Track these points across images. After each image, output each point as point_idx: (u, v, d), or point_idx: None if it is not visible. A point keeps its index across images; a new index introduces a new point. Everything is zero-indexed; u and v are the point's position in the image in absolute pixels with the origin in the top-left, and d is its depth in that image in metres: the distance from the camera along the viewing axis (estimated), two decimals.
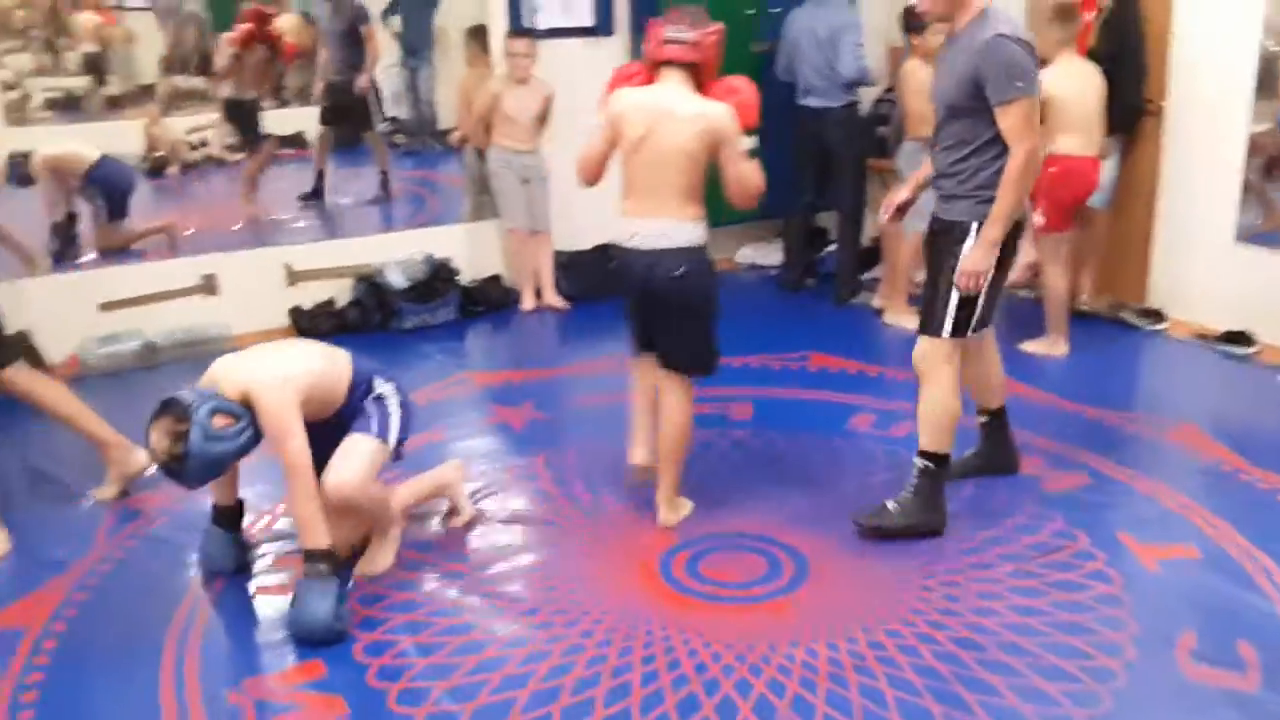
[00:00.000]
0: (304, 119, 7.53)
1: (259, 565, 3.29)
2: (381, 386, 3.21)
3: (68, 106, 8.71)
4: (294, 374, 2.98)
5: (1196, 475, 3.76)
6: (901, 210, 3.56)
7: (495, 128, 5.55)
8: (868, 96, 6.09)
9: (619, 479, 3.77)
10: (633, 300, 3.42)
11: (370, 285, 5.47)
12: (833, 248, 6.19)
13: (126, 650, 2.88)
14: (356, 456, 3.07)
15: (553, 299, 5.76)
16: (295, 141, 7.79)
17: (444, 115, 8.24)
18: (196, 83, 8.96)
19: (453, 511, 3.54)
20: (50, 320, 4.80)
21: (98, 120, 8.07)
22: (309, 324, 5.29)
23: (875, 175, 5.98)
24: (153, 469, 3.45)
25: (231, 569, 3.24)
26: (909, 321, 4.70)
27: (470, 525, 3.50)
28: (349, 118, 7.21)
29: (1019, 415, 3.92)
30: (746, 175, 3.25)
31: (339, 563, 3.00)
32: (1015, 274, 5.63)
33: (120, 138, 6.68)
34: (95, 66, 8.80)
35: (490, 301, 5.74)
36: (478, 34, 6.00)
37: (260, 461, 3.13)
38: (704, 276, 3.32)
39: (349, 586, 3.06)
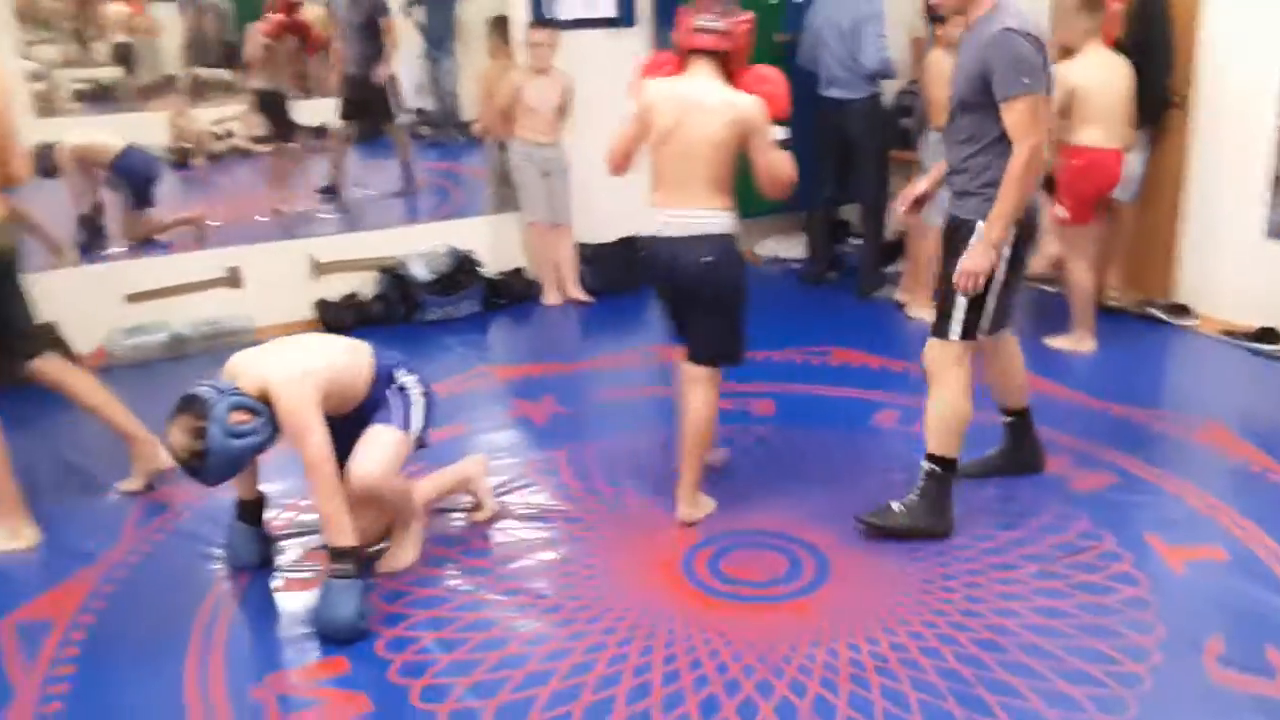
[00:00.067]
0: (328, 110, 7.55)
1: (284, 559, 3.31)
2: (404, 378, 3.21)
3: (95, 97, 8.75)
4: (314, 369, 2.98)
5: (1224, 475, 3.72)
6: (919, 202, 3.53)
7: (516, 120, 5.55)
8: (891, 87, 6.05)
9: (641, 474, 3.77)
10: (662, 290, 3.42)
11: (394, 278, 5.49)
12: (855, 241, 6.17)
13: (153, 644, 2.90)
14: (379, 447, 3.07)
15: (575, 292, 5.75)
16: (319, 133, 7.81)
17: (467, 107, 8.24)
18: (219, 74, 9.00)
19: (475, 506, 3.55)
20: (77, 312, 4.84)
21: (124, 111, 8.10)
22: (333, 316, 5.31)
23: (898, 167, 5.95)
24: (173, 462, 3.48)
25: (256, 563, 3.25)
26: (932, 315, 4.66)
27: (493, 520, 3.50)
28: (369, 111, 7.21)
29: (1044, 412, 3.90)
30: (777, 165, 3.25)
31: (363, 561, 3.01)
32: (1039, 267, 5.66)
33: (146, 128, 6.70)
34: (125, 57, 8.85)
35: (513, 294, 5.74)
36: (499, 25, 6.00)
37: (285, 455, 3.14)
38: (733, 266, 3.31)
39: (372, 583, 3.07)
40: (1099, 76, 4.63)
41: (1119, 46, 4.87)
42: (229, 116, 8.63)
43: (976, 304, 3.16)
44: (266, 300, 5.32)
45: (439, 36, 8.73)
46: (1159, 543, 3.25)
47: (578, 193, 5.69)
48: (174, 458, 2.89)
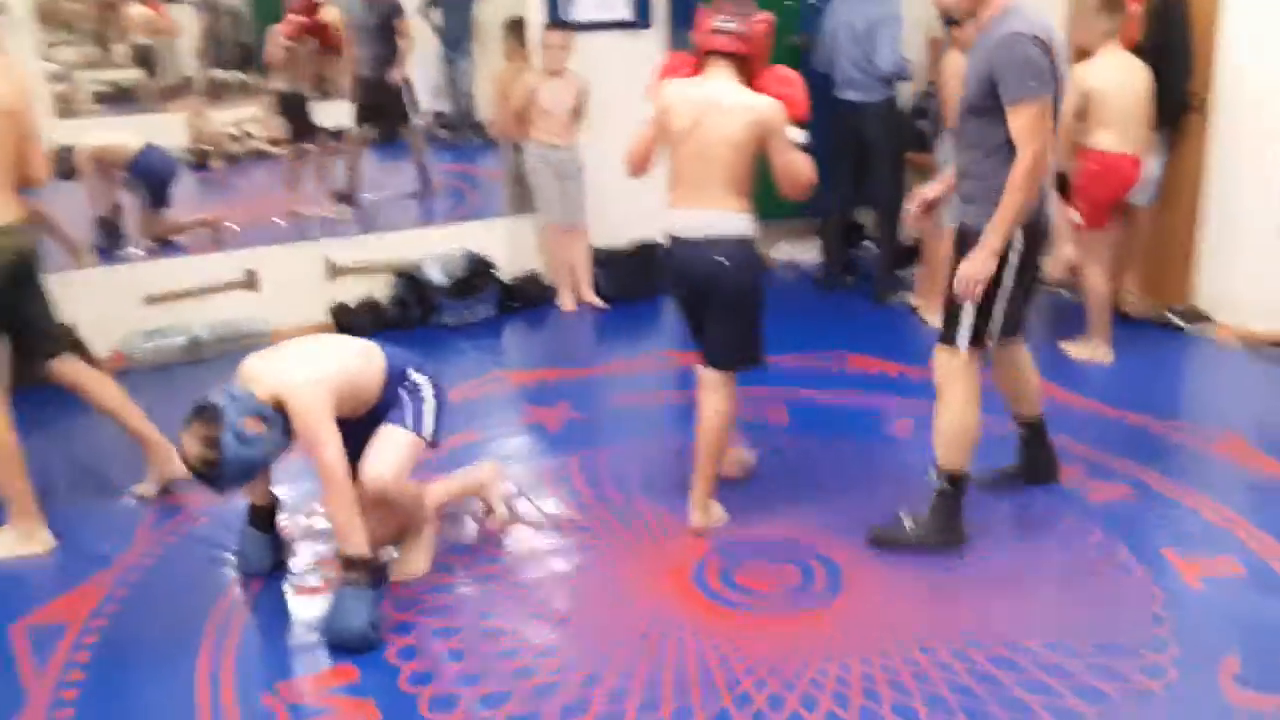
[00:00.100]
0: (346, 113, 7.56)
1: (296, 565, 3.32)
2: (416, 377, 3.20)
3: (115, 99, 8.80)
4: (325, 375, 2.97)
5: (1242, 488, 3.69)
6: (931, 206, 3.50)
7: (531, 122, 5.55)
8: (908, 90, 6.02)
9: (653, 481, 3.77)
10: (678, 292, 3.42)
11: (410, 281, 5.50)
12: (871, 244, 6.14)
13: (165, 649, 2.91)
14: (391, 449, 3.07)
15: (590, 296, 5.75)
16: (337, 135, 7.83)
17: (484, 108, 8.25)
18: (236, 75, 9.03)
19: (488, 513, 3.55)
20: (95, 314, 4.86)
21: (144, 113, 8.14)
22: (348, 319, 5.32)
23: (914, 170, 5.92)
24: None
25: (268, 569, 3.26)
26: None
27: (505, 527, 3.50)
28: (384, 114, 7.22)
29: (1059, 421, 3.88)
30: (796, 167, 3.24)
31: (376, 570, 3.01)
32: (1055, 272, 5.63)
33: (165, 130, 6.72)
34: (146, 59, 8.90)
35: (529, 298, 5.74)
36: (515, 27, 5.99)
37: (298, 462, 3.14)
38: (749, 268, 3.31)
39: (383, 592, 3.07)
40: (1116, 79, 4.59)
41: (1138, 49, 4.83)
42: (247, 118, 8.67)
43: (984, 311, 3.13)
44: (283, 303, 5.33)
45: (456, 38, 8.74)
46: (1175, 557, 3.22)
47: (593, 196, 5.69)
48: (187, 466, 2.89)
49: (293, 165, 7.16)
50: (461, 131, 8.98)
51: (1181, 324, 5.14)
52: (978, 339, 3.17)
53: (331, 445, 2.89)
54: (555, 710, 2.62)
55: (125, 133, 6.02)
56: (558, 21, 5.59)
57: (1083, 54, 4.81)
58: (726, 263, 3.24)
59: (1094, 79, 4.60)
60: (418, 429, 3.13)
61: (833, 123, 5.60)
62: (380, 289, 5.57)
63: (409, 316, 5.41)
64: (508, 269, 5.79)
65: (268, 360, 3.04)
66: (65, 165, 5.75)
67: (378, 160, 7.62)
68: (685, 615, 3.01)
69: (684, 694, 2.67)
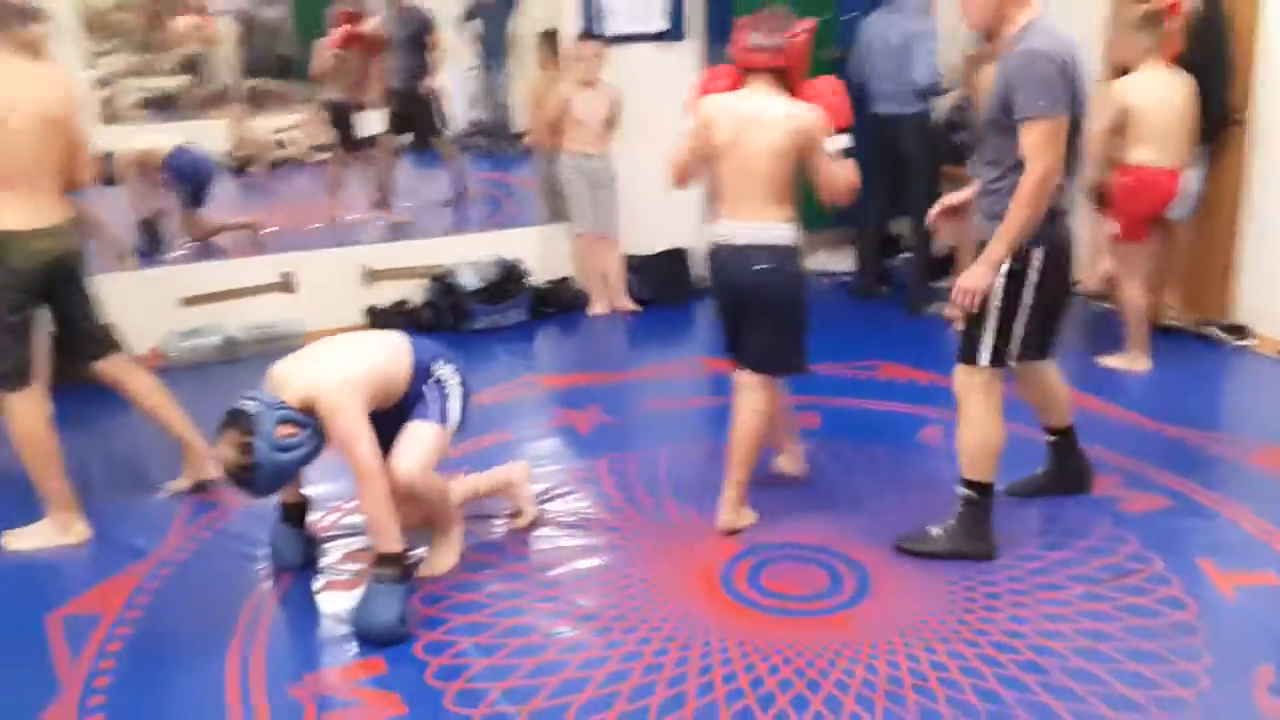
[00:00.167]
0: (383, 121, 7.64)
1: (327, 560, 3.34)
2: (440, 369, 3.22)
3: (159, 106, 8.96)
4: (355, 374, 3.00)
5: None
6: (953, 212, 3.45)
7: (565, 132, 5.58)
8: (944, 103, 6.00)
9: (683, 485, 3.77)
10: (721, 298, 3.44)
11: (443, 286, 5.54)
12: (906, 255, 6.12)
13: (196, 640, 2.95)
14: (417, 444, 3.10)
15: (622, 302, 5.77)
16: (374, 142, 7.91)
17: (520, 118, 8.31)
18: (275, 84, 9.15)
19: (516, 513, 3.56)
20: (134, 313, 4.92)
21: (187, 119, 8.27)
22: (382, 323, 5.37)
23: (949, 182, 5.89)
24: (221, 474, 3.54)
25: (299, 564, 3.29)
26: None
27: (532, 527, 3.51)
28: (415, 124, 7.29)
29: (1097, 432, 3.85)
30: (838, 176, 3.27)
31: (407, 566, 3.03)
32: (1093, 284, 5.58)
33: (208, 136, 6.82)
34: (193, 67, 9.05)
35: (560, 303, 5.77)
36: (549, 38, 6.04)
37: (329, 459, 3.17)
38: (791, 277, 3.33)
39: (413, 587, 3.09)
40: (1155, 94, 4.56)
41: (1179, 63, 4.79)
42: (288, 125, 8.80)
43: (1004, 330, 3.09)
44: (319, 306, 5.38)
45: (493, 49, 8.83)
46: (1210, 567, 3.17)
47: (625, 204, 5.71)
48: (224, 472, 2.93)
49: (335, 172, 7.23)
50: (498, 141, 9.06)
51: (1221, 336, 5.08)
52: (998, 358, 3.13)
53: (365, 444, 2.92)
54: (579, 707, 2.63)
55: (163, 137, 6.12)
56: (590, 32, 5.61)
57: (1124, 69, 4.78)
58: (766, 269, 3.26)
59: (1133, 95, 4.57)
60: (443, 421, 3.16)
61: (868, 136, 5.58)
62: (414, 294, 5.61)
63: (442, 321, 5.45)
64: (540, 275, 5.81)
65: (296, 364, 3.06)
66: (108, 170, 5.85)
67: (414, 168, 7.71)
68: (711, 616, 3.01)
69: (708, 693, 2.66)
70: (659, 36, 5.90)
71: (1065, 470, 3.61)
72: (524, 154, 7.22)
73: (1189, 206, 4.92)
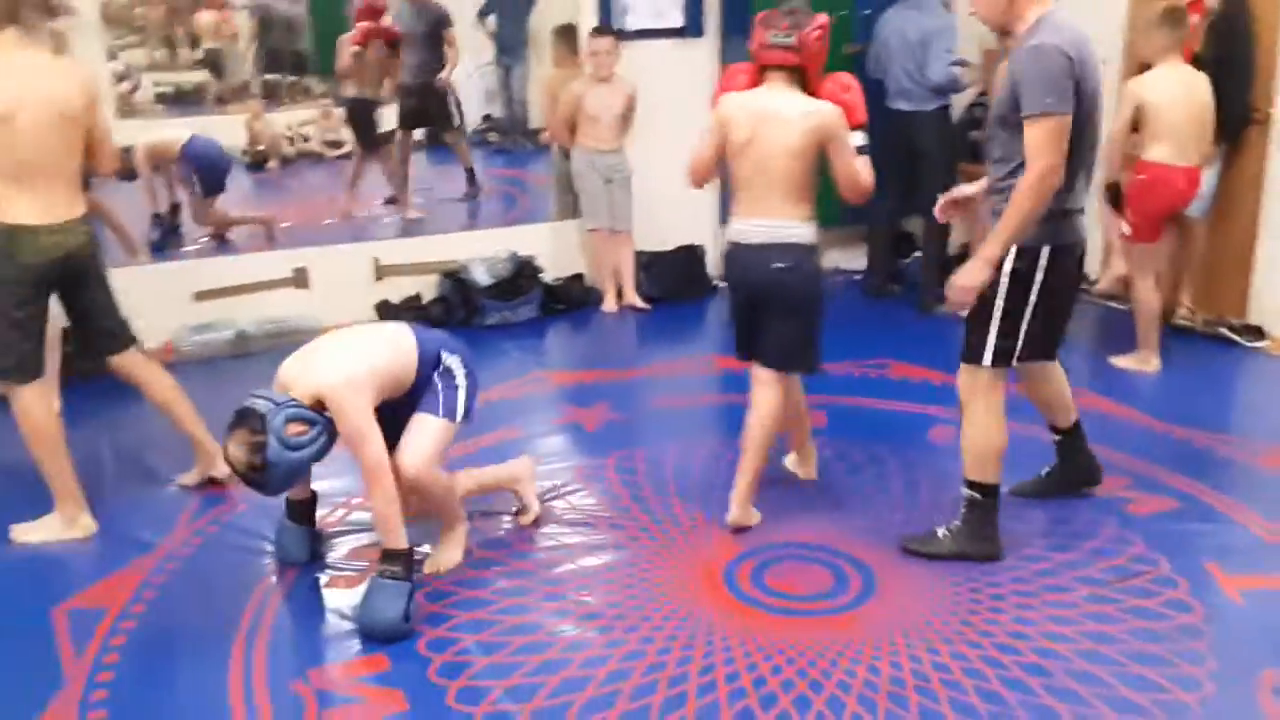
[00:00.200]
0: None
1: (332, 556, 3.36)
2: (448, 359, 3.22)
3: (176, 100, 9.02)
4: (362, 372, 3.00)
5: None
6: (960, 203, 3.42)
7: (579, 128, 5.58)
8: (962, 100, 5.98)
9: (689, 483, 3.77)
10: (737, 296, 3.45)
11: (455, 281, 5.55)
12: (918, 254, 6.09)
13: (200, 635, 2.96)
14: (423, 438, 3.10)
15: (634, 299, 5.76)
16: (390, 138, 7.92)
17: (536, 114, 8.32)
18: (290, 79, 9.19)
19: (520, 510, 3.56)
20: (148, 308, 4.94)
21: (203, 114, 8.32)
22: (393, 318, 5.37)
23: (966, 180, 5.85)
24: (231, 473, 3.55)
25: (305, 560, 3.30)
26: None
27: (537, 524, 3.52)
28: (428, 119, 7.30)
29: (1106, 432, 3.83)
30: (857, 172, 3.27)
31: (413, 564, 3.03)
32: (1106, 285, 5.54)
33: (225, 132, 6.84)
34: (214, 63, 9.10)
35: (572, 300, 5.77)
36: (564, 33, 6.03)
37: (336, 453, 3.17)
38: (809, 276, 3.34)
39: (418, 583, 3.09)
40: (1171, 92, 4.53)
41: (1199, 61, 4.75)
42: (304, 121, 8.83)
43: (1008, 330, 3.06)
44: (330, 301, 5.40)
45: (511, 45, 8.84)
46: (1217, 570, 3.15)
47: (639, 200, 5.70)
48: (235, 472, 2.93)
49: (358, 169, 7.24)
50: (513, 137, 9.07)
51: (1236, 337, 5.03)
52: (1002, 358, 3.10)
53: (373, 441, 2.93)
54: (581, 705, 2.63)
55: (178, 131, 6.15)
56: (604, 28, 5.60)
57: (1144, 67, 4.75)
58: (788, 270, 3.27)
59: (1150, 92, 4.54)
60: (449, 415, 3.16)
61: (884, 132, 5.55)
62: (426, 289, 5.62)
63: (454, 316, 5.46)
64: (552, 271, 5.82)
65: (303, 361, 3.06)
66: (127, 164, 5.88)
67: (428, 164, 7.72)
68: (715, 616, 3.00)
69: (710, 692, 2.66)
70: (677, 33, 5.89)
71: (1073, 468, 3.59)
72: (541, 150, 7.23)
73: (1204, 206, 4.89)
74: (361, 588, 3.05)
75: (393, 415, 3.07)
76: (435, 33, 7.09)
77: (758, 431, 3.41)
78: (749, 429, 3.42)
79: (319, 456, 2.97)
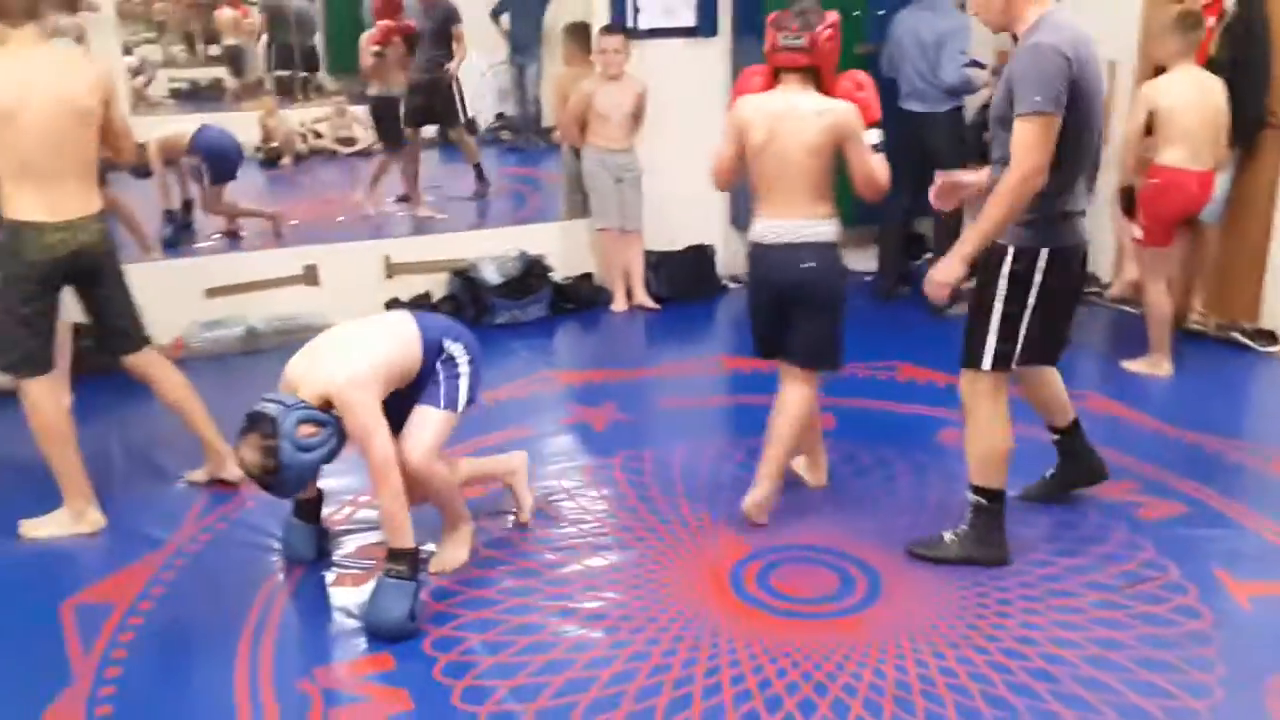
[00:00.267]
0: None
1: (339, 554, 3.36)
2: (451, 346, 3.21)
3: (190, 96, 9.07)
4: (368, 369, 2.99)
5: None
6: (953, 191, 3.34)
7: (589, 126, 5.57)
8: (975, 101, 5.95)
9: (695, 484, 3.76)
10: (762, 296, 3.46)
11: (465, 280, 5.55)
12: (930, 255, 6.07)
13: (207, 632, 2.97)
14: (424, 429, 3.10)
15: (643, 299, 5.76)
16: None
17: (550, 113, 8.32)
18: (302, 76, 9.22)
19: (516, 504, 3.55)
20: (159, 304, 4.96)
21: (217, 111, 8.35)
22: None
23: None
24: (244, 476, 3.55)
25: (312, 557, 3.31)
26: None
27: (548, 521, 3.51)
28: (434, 117, 7.31)
29: (1116, 437, 3.82)
30: (873, 169, 3.28)
31: (419, 563, 3.03)
32: (1118, 290, 5.51)
33: (239, 128, 6.86)
34: (234, 59, 9.14)
35: (581, 299, 5.76)
36: (575, 32, 6.02)
37: (344, 452, 3.17)
38: (833, 274, 3.37)
39: (424, 581, 3.09)
40: (1185, 96, 4.51)
41: (1214, 64, 4.72)
42: (318, 118, 8.86)
43: (1007, 332, 3.04)
44: (341, 298, 5.39)
45: (525, 43, 8.85)
46: (1227, 576, 3.13)
47: (650, 200, 5.69)
48: (248, 475, 2.93)
49: (384, 165, 7.25)
50: (526, 135, 9.08)
51: (1248, 342, 5.01)
52: (1001, 362, 3.08)
53: (380, 439, 2.93)
54: (585, 706, 2.62)
55: (190, 125, 6.18)
56: (614, 26, 5.59)
57: (1158, 69, 4.73)
58: (814, 270, 3.30)
59: (1163, 96, 4.52)
60: (450, 406, 3.15)
61: (896, 133, 5.53)
62: (437, 287, 5.63)
63: (463, 315, 5.45)
64: (562, 270, 5.81)
65: (308, 360, 3.05)
66: (142, 159, 5.90)
67: (440, 162, 7.73)
68: (721, 617, 3.00)
69: (715, 695, 2.66)
70: (689, 32, 5.88)
71: (1075, 467, 3.56)
72: (554, 149, 7.24)
73: (1217, 210, 4.86)
74: (368, 586, 3.06)
75: (397, 404, 3.07)
76: (444, 29, 7.10)
77: (785, 430, 3.43)
78: (776, 425, 3.45)
79: (331, 457, 2.98)
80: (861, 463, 3.93)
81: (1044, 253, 2.98)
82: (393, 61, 7.08)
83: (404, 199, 7.21)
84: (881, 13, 6.01)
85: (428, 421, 3.12)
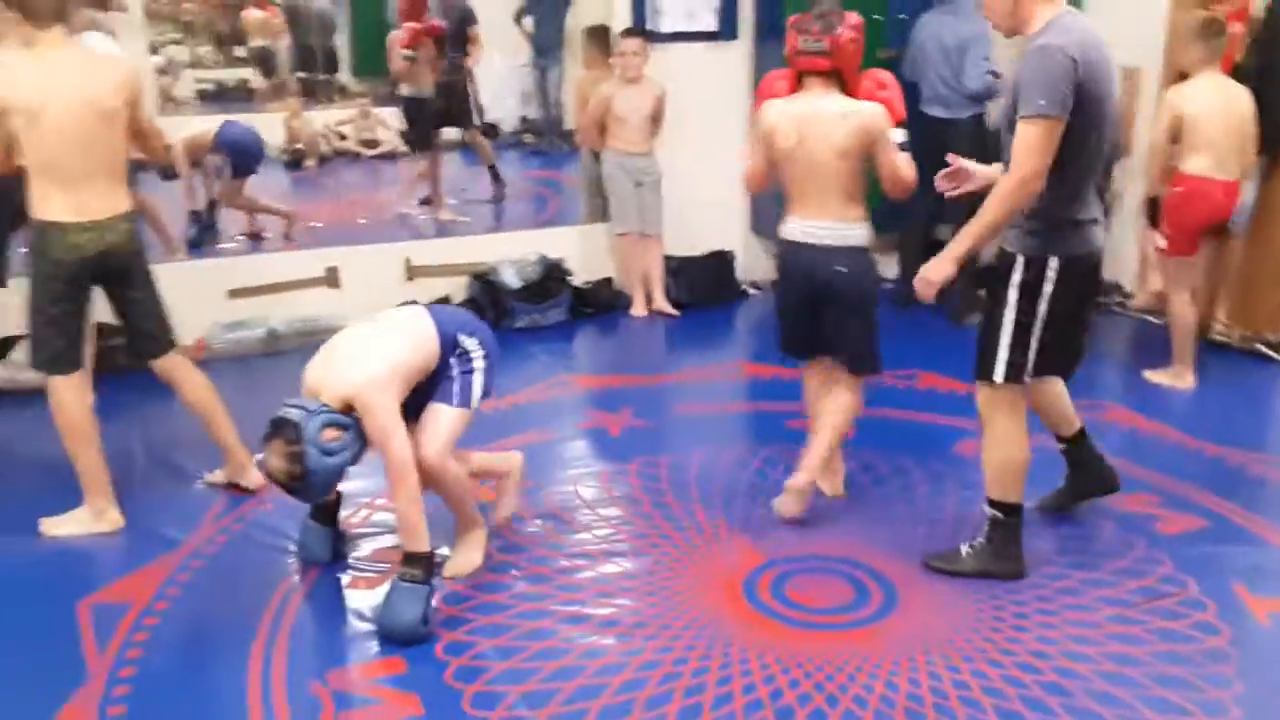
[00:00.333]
0: None
1: (355, 556, 3.37)
2: (465, 341, 3.21)
3: (217, 97, 9.12)
4: (387, 371, 2.99)
5: None
6: (960, 176, 3.25)
7: (608, 130, 5.57)
8: (997, 107, 5.91)
9: (711, 491, 3.75)
10: (790, 297, 3.49)
11: (485, 283, 5.56)
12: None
13: (222, 633, 2.99)
14: (438, 427, 3.11)
15: (663, 304, 5.75)
16: None
17: (571, 116, 8.33)
18: (324, 78, 9.26)
19: (496, 505, 3.54)
20: (182, 304, 4.98)
21: (242, 112, 8.40)
22: None
23: None
24: (263, 483, 3.60)
25: (327, 560, 3.32)
26: None
27: (508, 520, 3.50)
28: (450, 118, 7.33)
29: (1136, 449, 3.79)
30: (901, 169, 3.30)
31: (434, 567, 3.04)
32: (1141, 300, 5.47)
33: (264, 130, 6.90)
34: (262, 60, 9.19)
35: (600, 304, 5.77)
36: (595, 35, 6.02)
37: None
38: (865, 278, 3.40)
39: (437, 586, 3.10)
40: (1209, 104, 4.47)
41: (1240, 71, 4.67)
42: (341, 120, 8.90)
43: (1019, 343, 3.01)
44: (361, 300, 5.41)
45: (548, 46, 8.87)
46: (1246, 592, 3.10)
47: (669, 204, 5.69)
48: (274, 481, 2.94)
49: (423, 169, 7.28)
50: (548, 138, 9.10)
51: (1272, 354, 4.96)
52: (1013, 374, 3.04)
53: (399, 441, 2.93)
54: (596, 713, 2.62)
55: (214, 124, 6.23)
56: (634, 29, 5.59)
57: (1182, 75, 4.69)
58: (844, 273, 3.32)
59: (1188, 104, 4.49)
60: (464, 404, 3.16)
61: (917, 138, 5.50)
62: (456, 290, 5.64)
63: (482, 318, 5.45)
64: (582, 274, 5.82)
65: (327, 364, 3.05)
66: (168, 161, 5.94)
67: (462, 165, 7.75)
68: (734, 626, 2.99)
69: (726, 704, 2.65)
70: (710, 36, 5.87)
71: (1084, 477, 3.53)
72: (576, 152, 7.25)
73: (1241, 219, 4.81)
74: (382, 589, 3.06)
75: (413, 397, 3.08)
76: (460, 30, 7.13)
77: (829, 432, 3.49)
78: (822, 424, 3.50)
79: (355, 459, 2.99)
80: (879, 472, 3.91)
81: (1054, 261, 2.94)
82: (423, 63, 7.10)
83: (426, 201, 7.23)
84: (903, 17, 5.98)
85: (442, 419, 3.13)
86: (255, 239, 6.43)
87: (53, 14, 3.24)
